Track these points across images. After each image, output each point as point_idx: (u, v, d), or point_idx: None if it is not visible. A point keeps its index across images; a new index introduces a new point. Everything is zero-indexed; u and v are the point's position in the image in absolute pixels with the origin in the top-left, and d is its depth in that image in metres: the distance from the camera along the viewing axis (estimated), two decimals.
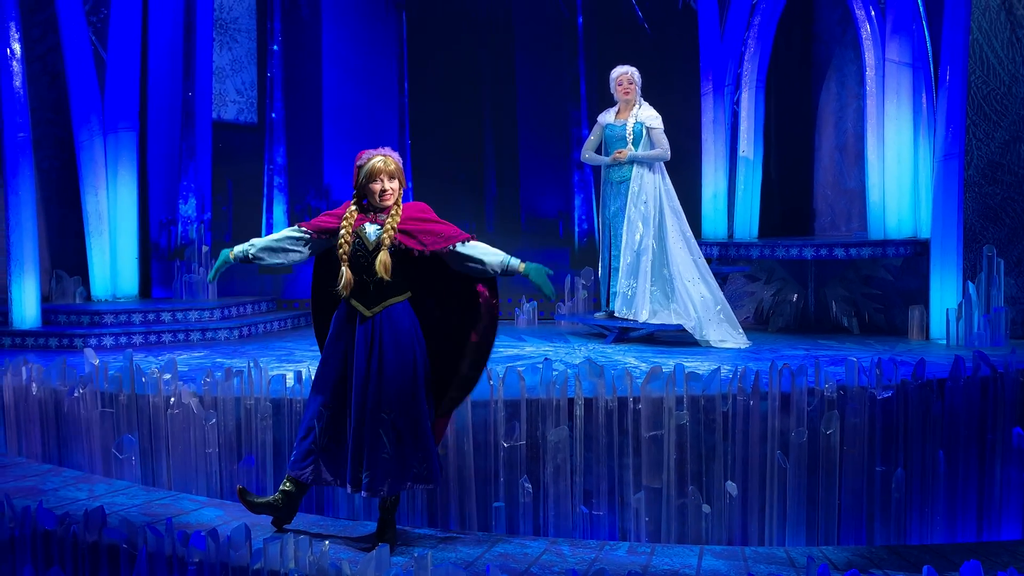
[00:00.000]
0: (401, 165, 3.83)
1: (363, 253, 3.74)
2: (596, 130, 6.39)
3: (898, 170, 6.53)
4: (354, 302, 3.77)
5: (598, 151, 6.40)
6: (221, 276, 7.30)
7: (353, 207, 3.81)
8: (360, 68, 7.87)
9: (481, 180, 7.96)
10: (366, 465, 3.73)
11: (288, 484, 3.94)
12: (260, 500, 3.97)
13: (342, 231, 3.75)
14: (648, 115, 6.18)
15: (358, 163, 3.80)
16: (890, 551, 4.30)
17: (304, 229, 3.84)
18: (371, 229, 3.77)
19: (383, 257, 3.69)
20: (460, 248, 3.77)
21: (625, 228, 6.12)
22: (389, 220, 3.75)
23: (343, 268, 3.73)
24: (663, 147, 6.13)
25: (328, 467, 3.85)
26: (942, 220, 6.09)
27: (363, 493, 3.77)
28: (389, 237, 3.71)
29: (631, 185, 6.13)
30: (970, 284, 5.93)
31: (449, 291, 3.86)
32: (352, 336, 3.77)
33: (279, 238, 3.87)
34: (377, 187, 3.75)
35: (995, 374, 4.66)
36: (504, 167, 7.98)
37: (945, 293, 6.11)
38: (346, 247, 3.73)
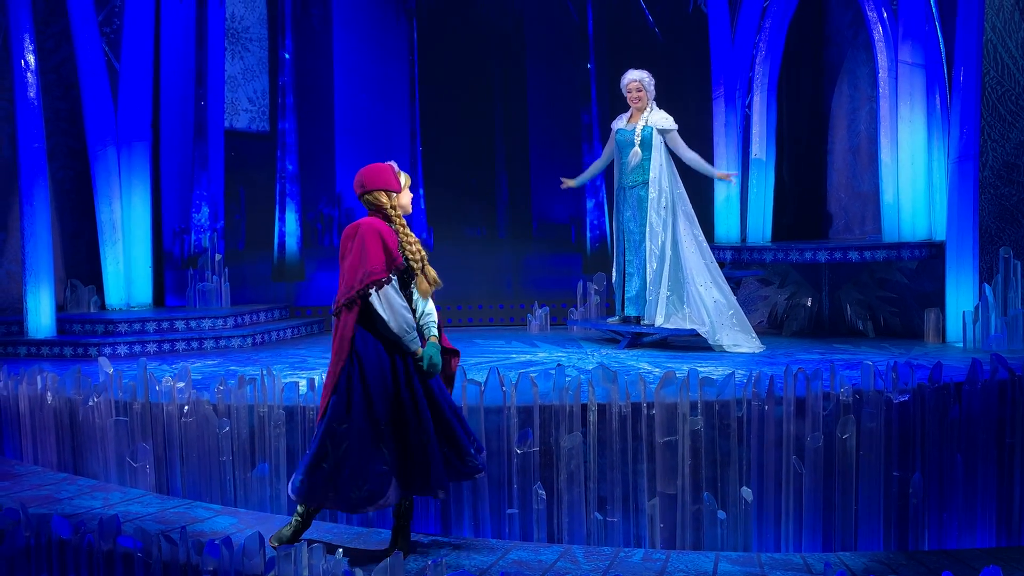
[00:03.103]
0: (398, 178, 3.88)
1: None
2: (610, 138, 6.39)
3: (912, 172, 6.49)
4: None
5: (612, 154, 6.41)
6: (235, 285, 7.41)
7: (398, 222, 3.95)
8: (371, 76, 7.89)
9: (492, 186, 7.96)
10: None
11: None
12: (289, 534, 3.93)
13: (403, 242, 3.92)
14: (658, 118, 6.16)
15: (394, 172, 3.90)
16: (908, 556, 4.26)
17: (395, 277, 3.81)
18: None
19: None
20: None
21: (648, 235, 6.11)
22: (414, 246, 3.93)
23: (418, 275, 3.93)
24: (682, 149, 6.15)
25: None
26: (957, 222, 6.04)
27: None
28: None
29: (650, 191, 6.12)
30: (987, 286, 5.88)
31: None
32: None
33: (404, 305, 3.78)
34: (409, 196, 3.97)
35: (1013, 377, 4.61)
36: (515, 173, 7.97)
37: (961, 295, 6.06)
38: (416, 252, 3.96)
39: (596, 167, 6.57)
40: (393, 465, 3.75)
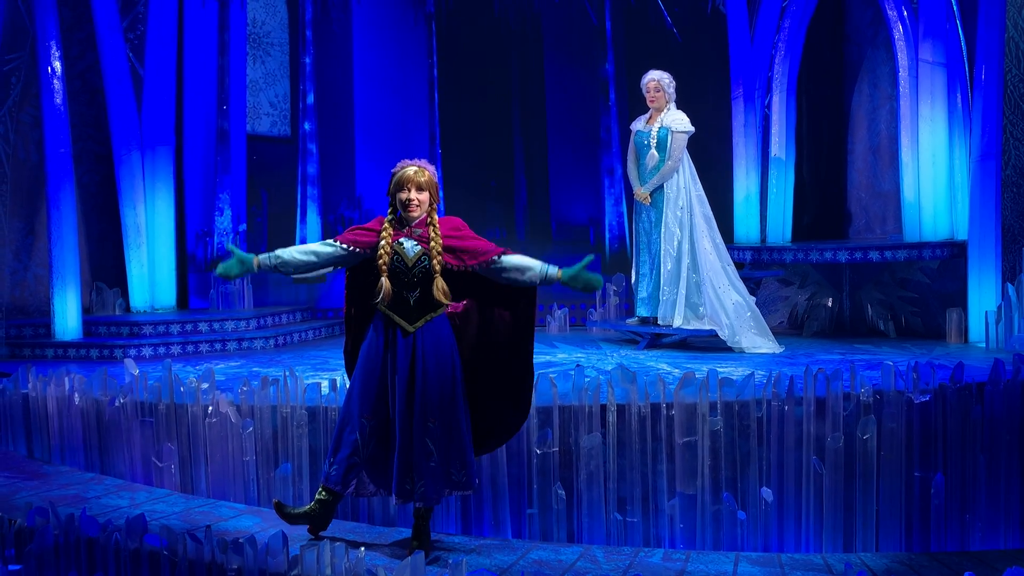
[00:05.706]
0: (435, 178, 3.87)
1: (402, 268, 3.79)
2: (630, 139, 6.36)
3: (933, 171, 6.45)
4: (395, 317, 3.81)
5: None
6: (257, 287, 7.48)
7: (387, 221, 3.85)
8: (391, 79, 7.95)
9: (511, 188, 8.00)
10: (416, 476, 3.78)
11: (323, 493, 3.98)
12: (296, 511, 4.02)
13: (381, 242, 3.80)
14: (674, 119, 6.13)
15: (393, 170, 3.88)
16: (930, 558, 4.24)
17: (338, 243, 3.84)
18: (409, 244, 3.81)
19: (440, 283, 3.75)
20: (500, 261, 3.80)
21: (663, 235, 6.11)
22: (433, 243, 3.79)
23: (382, 279, 3.78)
24: (673, 157, 6.05)
25: (373, 478, 3.90)
26: (979, 221, 6.00)
27: (416, 504, 3.83)
28: (439, 262, 3.76)
29: (666, 191, 6.12)
30: (1009, 286, 5.83)
31: (487, 302, 3.90)
32: (393, 349, 3.81)
33: (307, 250, 3.87)
34: (404, 195, 3.81)
35: None
36: (534, 175, 8.01)
37: (983, 295, 6.01)
38: (386, 258, 3.78)
39: (633, 170, 6.35)
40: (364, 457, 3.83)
